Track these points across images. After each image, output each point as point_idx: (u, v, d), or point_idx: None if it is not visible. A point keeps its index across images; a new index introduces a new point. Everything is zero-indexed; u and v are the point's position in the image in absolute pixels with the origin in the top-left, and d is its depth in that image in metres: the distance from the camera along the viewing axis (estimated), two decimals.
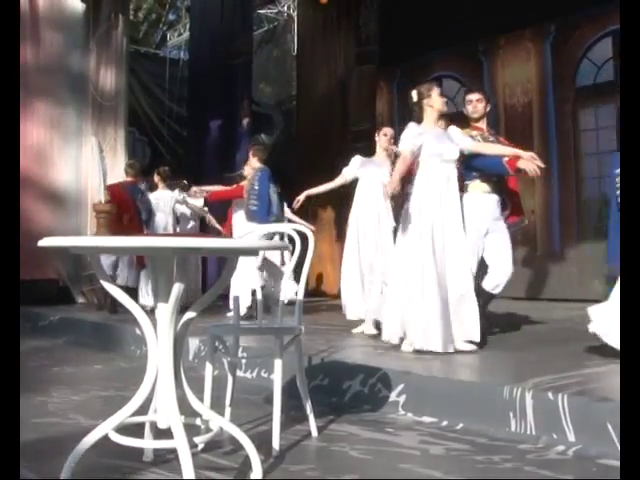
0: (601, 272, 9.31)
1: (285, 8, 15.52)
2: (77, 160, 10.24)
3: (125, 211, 7.74)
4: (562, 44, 10.87)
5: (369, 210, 5.79)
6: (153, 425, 2.42)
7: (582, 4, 9.88)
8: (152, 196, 8.26)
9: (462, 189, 4.64)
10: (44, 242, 2.08)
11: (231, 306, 6.05)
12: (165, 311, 2.23)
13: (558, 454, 2.68)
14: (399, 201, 4.85)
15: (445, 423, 3.12)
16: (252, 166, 7.02)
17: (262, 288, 7.09)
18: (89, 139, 10.25)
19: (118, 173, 9.89)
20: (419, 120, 4.63)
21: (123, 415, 2.20)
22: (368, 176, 5.94)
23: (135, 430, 2.56)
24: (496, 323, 6.29)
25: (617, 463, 2.51)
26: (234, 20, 12.67)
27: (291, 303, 3.45)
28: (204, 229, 9.34)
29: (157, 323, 2.25)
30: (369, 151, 12.54)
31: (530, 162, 4.50)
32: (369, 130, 12.63)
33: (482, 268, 4.72)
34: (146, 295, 7.93)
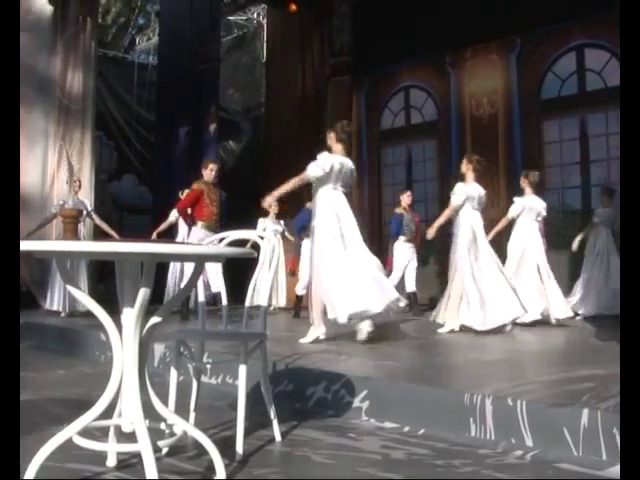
0: (563, 281, 9.48)
1: (255, 15, 15.55)
2: (43, 163, 10.14)
3: None
4: (527, 57, 11.08)
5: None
6: (117, 429, 2.42)
7: (547, 19, 10.09)
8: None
9: None
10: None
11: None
12: (131, 316, 2.25)
13: (516, 458, 2.74)
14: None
15: (407, 429, 3.16)
16: None
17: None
18: (56, 142, 10.18)
19: (84, 177, 9.87)
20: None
21: (88, 419, 2.21)
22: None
23: (99, 435, 2.57)
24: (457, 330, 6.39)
25: (573, 467, 2.59)
26: (203, 26, 12.67)
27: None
28: None
29: (122, 328, 2.26)
30: None
31: None
32: None
33: None
34: (54, 298, 8.16)
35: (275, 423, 2.96)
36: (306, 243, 8.86)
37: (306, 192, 12.28)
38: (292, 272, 9.72)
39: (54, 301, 8.39)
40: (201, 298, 3.34)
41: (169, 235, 9.53)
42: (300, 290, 8.90)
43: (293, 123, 12.79)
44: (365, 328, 5.33)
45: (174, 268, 9.28)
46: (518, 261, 7.54)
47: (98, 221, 8.73)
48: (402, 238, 9.61)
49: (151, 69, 15.10)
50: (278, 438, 2.95)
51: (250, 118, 15.91)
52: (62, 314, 8.20)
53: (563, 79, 10.79)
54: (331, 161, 5.52)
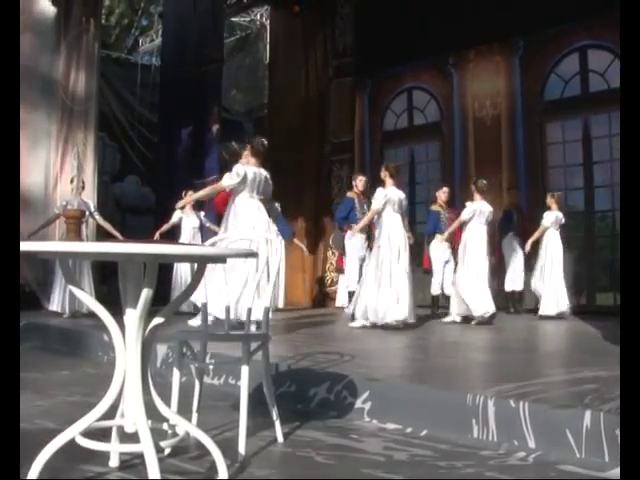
0: (567, 280, 9.50)
1: (258, 17, 15.57)
2: (46, 163, 10.15)
3: None
4: (530, 59, 11.08)
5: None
6: (120, 430, 2.43)
7: (550, 21, 10.08)
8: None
9: None
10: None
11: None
12: (133, 316, 2.25)
13: (519, 460, 2.73)
14: None
15: (409, 430, 3.16)
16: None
17: None
18: (59, 143, 10.19)
19: (87, 178, 9.86)
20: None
21: (90, 419, 2.21)
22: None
23: (101, 435, 2.57)
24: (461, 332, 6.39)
25: (575, 469, 2.58)
26: (206, 27, 12.69)
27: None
28: None
29: (125, 328, 2.27)
30: (351, 163, 12.62)
31: None
32: (350, 142, 12.74)
33: None
34: (56, 299, 8.15)
35: (277, 424, 2.96)
36: (349, 236, 8.81)
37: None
38: (339, 269, 9.47)
39: (55, 302, 8.40)
40: (203, 299, 3.34)
41: (172, 236, 9.55)
42: (352, 286, 8.42)
43: (296, 124, 12.80)
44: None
45: (180, 269, 9.29)
46: (468, 262, 8.07)
47: (101, 221, 8.73)
48: (439, 237, 9.17)
49: (154, 70, 15.13)
50: (280, 439, 2.95)
51: (253, 119, 15.93)
52: (64, 315, 8.21)
53: (566, 80, 10.78)
54: (244, 171, 6.12)
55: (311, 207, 12.47)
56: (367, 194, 8.67)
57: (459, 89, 12.02)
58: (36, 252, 2.21)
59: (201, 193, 6.83)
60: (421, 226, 12.25)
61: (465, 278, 8.00)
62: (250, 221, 6.03)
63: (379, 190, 7.36)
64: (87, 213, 8.57)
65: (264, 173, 6.29)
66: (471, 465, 2.65)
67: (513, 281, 9.77)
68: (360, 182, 9.07)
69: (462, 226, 8.41)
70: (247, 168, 6.21)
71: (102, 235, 9.04)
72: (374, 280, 7.07)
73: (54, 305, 8.41)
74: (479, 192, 8.29)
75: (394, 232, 7.19)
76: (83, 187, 8.78)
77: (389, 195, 7.27)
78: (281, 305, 9.89)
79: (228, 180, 6.15)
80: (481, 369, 4.39)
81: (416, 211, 12.52)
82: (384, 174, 7.43)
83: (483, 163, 11.40)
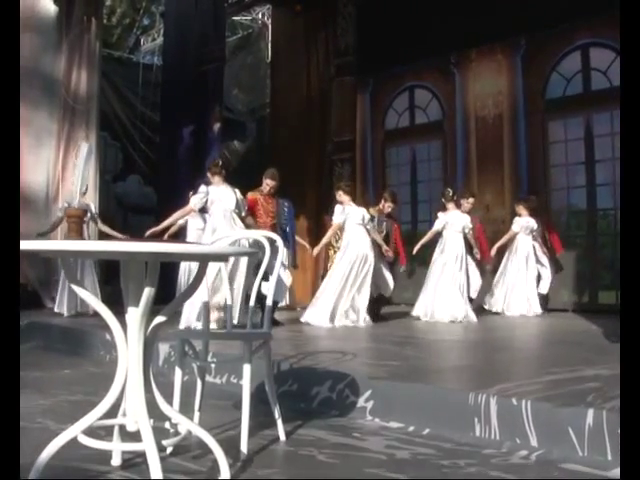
0: (568, 279, 9.49)
1: (259, 16, 15.56)
2: (48, 162, 10.14)
3: None
4: (532, 57, 11.05)
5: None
6: (122, 428, 2.43)
7: (551, 19, 10.07)
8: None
9: None
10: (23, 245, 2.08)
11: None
12: (135, 315, 2.25)
13: (521, 459, 2.73)
14: None
15: (412, 428, 3.16)
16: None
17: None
18: (61, 142, 10.18)
19: (89, 178, 9.86)
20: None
21: (92, 418, 2.21)
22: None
23: (104, 434, 2.57)
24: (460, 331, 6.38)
25: (578, 467, 2.58)
26: (208, 26, 12.68)
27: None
28: None
29: (127, 327, 2.27)
30: (353, 162, 12.57)
31: None
32: (351, 141, 12.72)
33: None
34: (57, 299, 8.18)
35: (279, 423, 2.96)
36: None
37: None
38: None
39: (57, 301, 8.41)
40: (204, 298, 3.34)
41: (177, 238, 9.52)
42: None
43: (298, 123, 12.78)
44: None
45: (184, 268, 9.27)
46: (441, 269, 8.33)
47: (102, 226, 8.75)
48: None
49: (156, 69, 15.13)
50: (282, 438, 2.95)
51: (255, 118, 15.92)
52: (64, 314, 8.21)
53: (568, 79, 10.76)
54: (206, 190, 6.63)
55: (312, 206, 12.44)
56: (392, 215, 8.81)
57: (461, 88, 12.00)
58: (38, 251, 2.21)
59: (171, 218, 7.12)
60: (423, 225, 12.25)
61: (434, 282, 8.30)
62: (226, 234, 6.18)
63: (337, 207, 7.78)
64: (88, 214, 8.57)
65: (228, 190, 6.67)
66: (473, 464, 2.65)
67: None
68: (387, 205, 8.70)
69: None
70: (210, 187, 6.67)
71: (104, 234, 9.04)
72: (331, 288, 7.50)
73: (56, 305, 8.42)
74: (448, 201, 8.58)
75: (354, 243, 7.57)
76: (85, 191, 8.79)
77: (348, 211, 7.67)
78: (283, 303, 9.91)
79: (193, 201, 6.70)
80: (482, 367, 4.39)
81: (418, 210, 12.51)
82: (338, 194, 7.84)
83: (485, 162, 11.39)
